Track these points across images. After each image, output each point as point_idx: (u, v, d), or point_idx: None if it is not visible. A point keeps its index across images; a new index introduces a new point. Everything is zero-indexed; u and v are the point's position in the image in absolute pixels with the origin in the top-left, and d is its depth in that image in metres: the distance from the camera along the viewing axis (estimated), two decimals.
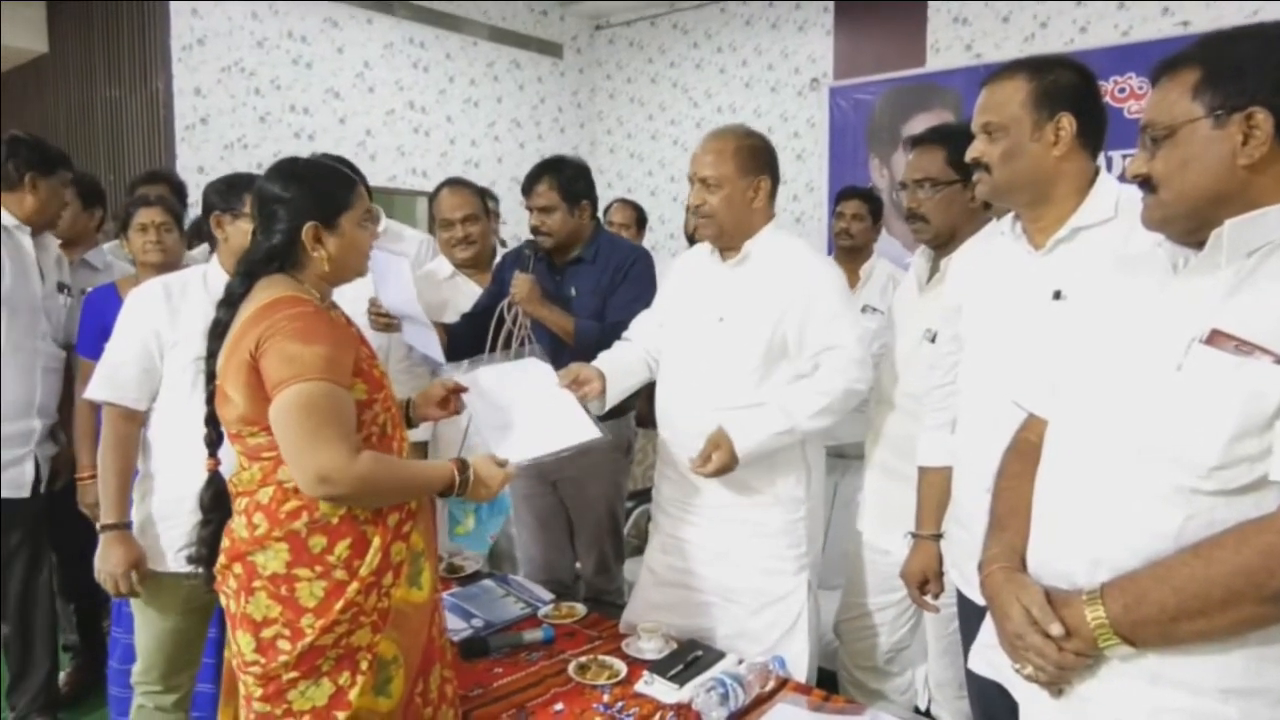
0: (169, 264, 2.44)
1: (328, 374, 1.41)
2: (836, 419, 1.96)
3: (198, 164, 4.51)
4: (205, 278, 2.01)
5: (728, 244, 2.07)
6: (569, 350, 2.37)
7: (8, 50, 5.10)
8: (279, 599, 1.44)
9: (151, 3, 4.45)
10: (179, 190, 3.32)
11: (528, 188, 2.61)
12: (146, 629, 2.01)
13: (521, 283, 2.44)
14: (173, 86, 4.44)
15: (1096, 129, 1.54)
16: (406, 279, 2.34)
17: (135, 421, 1.97)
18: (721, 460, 1.90)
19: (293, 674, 1.43)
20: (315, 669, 1.44)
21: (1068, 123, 1.49)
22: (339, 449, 1.39)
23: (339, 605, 1.43)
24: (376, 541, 1.48)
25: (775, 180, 2.07)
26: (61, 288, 2.67)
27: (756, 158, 2.02)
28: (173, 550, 1.95)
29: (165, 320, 1.93)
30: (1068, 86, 1.51)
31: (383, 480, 1.47)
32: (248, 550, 1.46)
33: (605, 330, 2.43)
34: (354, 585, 1.45)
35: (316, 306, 1.51)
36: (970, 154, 1.58)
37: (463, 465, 1.59)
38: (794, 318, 1.96)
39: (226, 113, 4.65)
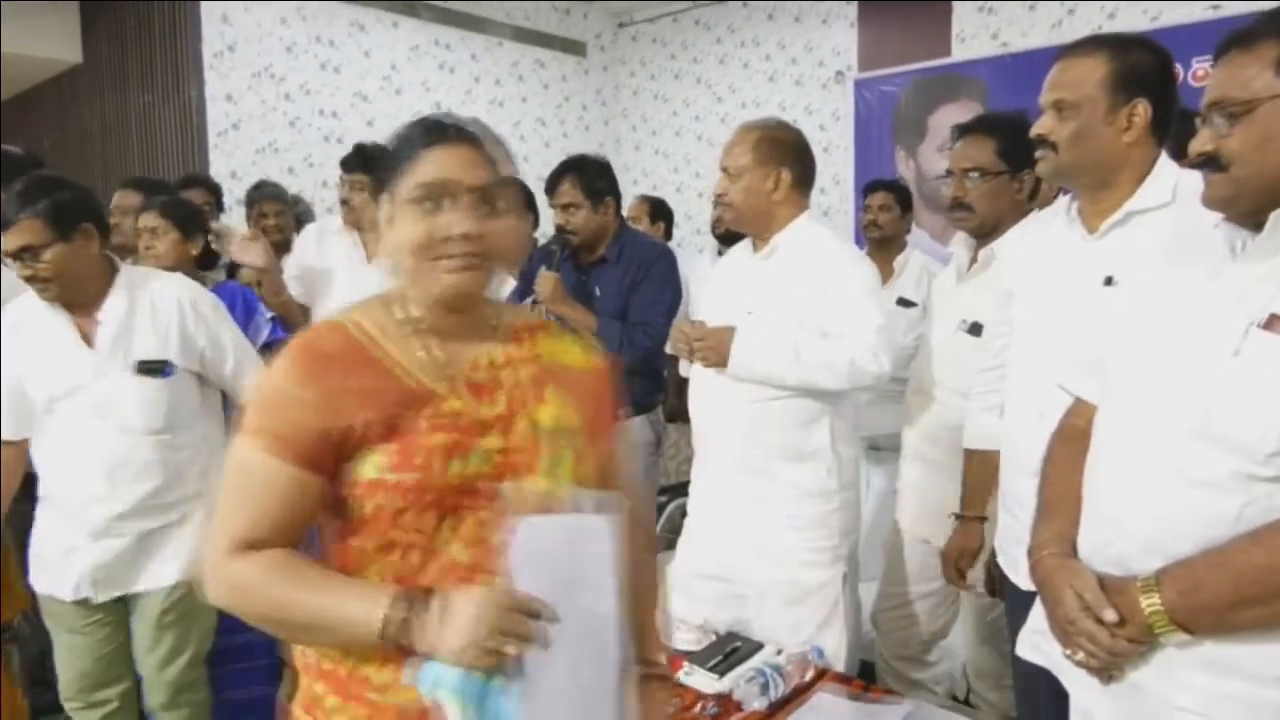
0: (170, 268, 2.34)
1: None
2: (835, 386, 1.90)
3: (230, 169, 4.57)
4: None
5: (751, 232, 2.07)
6: None
7: (44, 61, 5.20)
8: None
9: (183, 7, 4.51)
10: (216, 193, 3.34)
11: (551, 186, 2.64)
12: (57, 648, 2.04)
13: (546, 280, 2.46)
14: (205, 93, 4.50)
15: (1167, 117, 1.46)
16: None
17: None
18: (716, 339, 1.91)
19: None
20: None
21: (1143, 109, 1.42)
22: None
23: None
24: None
25: (801, 172, 2.02)
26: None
27: (777, 148, 2.00)
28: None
29: None
30: (1148, 71, 1.43)
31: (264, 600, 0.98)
32: None
33: (627, 330, 2.44)
34: None
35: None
36: (1037, 129, 1.50)
37: (409, 600, 0.94)
38: (817, 308, 1.96)
39: (257, 118, 4.71)
